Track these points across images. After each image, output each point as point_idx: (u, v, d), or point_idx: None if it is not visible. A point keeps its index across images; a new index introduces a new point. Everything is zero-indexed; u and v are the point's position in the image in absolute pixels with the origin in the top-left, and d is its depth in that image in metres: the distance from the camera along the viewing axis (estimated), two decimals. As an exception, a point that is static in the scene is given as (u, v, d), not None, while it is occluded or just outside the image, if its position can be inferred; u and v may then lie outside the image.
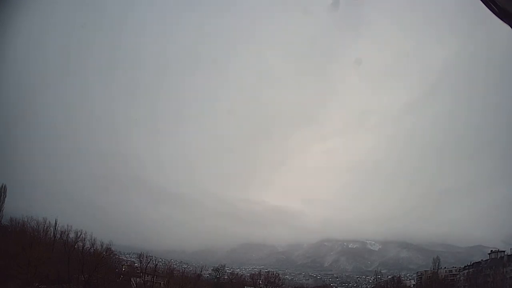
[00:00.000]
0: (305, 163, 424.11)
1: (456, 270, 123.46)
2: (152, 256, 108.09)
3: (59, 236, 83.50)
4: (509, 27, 3.31)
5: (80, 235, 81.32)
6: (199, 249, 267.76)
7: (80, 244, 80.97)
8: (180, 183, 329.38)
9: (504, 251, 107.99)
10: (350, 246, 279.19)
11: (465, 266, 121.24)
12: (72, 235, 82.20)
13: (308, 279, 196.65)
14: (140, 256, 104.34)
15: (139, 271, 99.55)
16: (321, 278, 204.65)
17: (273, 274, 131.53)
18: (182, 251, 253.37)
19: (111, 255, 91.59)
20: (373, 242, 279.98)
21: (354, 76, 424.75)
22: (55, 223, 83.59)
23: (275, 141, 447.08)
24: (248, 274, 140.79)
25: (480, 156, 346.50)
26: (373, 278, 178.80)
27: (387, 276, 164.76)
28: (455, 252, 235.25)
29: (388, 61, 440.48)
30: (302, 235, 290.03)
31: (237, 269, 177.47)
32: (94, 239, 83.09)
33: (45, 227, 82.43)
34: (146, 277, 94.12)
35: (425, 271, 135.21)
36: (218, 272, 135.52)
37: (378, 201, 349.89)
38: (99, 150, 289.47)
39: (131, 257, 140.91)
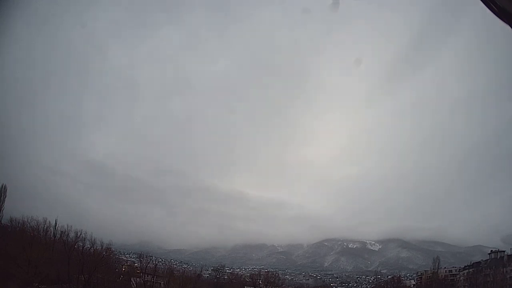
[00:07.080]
0: (304, 163, 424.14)
1: (456, 270, 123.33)
2: (152, 256, 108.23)
3: (59, 236, 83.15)
4: (509, 27, 3.30)
5: (80, 235, 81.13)
6: (199, 249, 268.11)
7: (80, 244, 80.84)
8: (180, 183, 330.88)
9: (504, 251, 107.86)
10: (350, 246, 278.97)
11: (465, 266, 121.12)
12: (72, 235, 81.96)
13: (308, 279, 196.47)
14: (140, 256, 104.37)
15: (139, 271, 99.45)
16: (321, 278, 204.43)
17: (273, 274, 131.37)
18: (182, 251, 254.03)
19: (111, 255, 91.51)
20: (373, 242, 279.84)
21: (349, 76, 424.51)
22: (55, 223, 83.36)
23: (273, 140, 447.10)
24: (248, 274, 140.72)
25: (480, 156, 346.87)
26: (373, 278, 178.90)
27: (387, 276, 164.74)
28: (455, 252, 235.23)
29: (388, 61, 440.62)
30: (302, 235, 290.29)
31: (237, 269, 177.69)
32: (94, 239, 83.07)
33: (45, 227, 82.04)
34: (146, 277, 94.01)
35: (425, 271, 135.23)
36: (218, 272, 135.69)
37: (378, 201, 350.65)
38: (98, 149, 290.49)
39: (131, 257, 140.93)
